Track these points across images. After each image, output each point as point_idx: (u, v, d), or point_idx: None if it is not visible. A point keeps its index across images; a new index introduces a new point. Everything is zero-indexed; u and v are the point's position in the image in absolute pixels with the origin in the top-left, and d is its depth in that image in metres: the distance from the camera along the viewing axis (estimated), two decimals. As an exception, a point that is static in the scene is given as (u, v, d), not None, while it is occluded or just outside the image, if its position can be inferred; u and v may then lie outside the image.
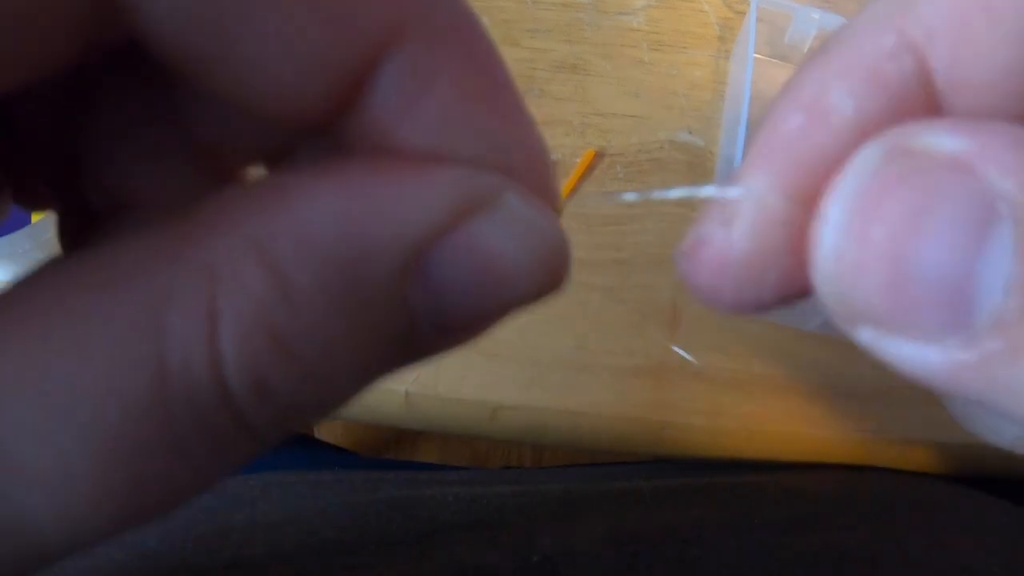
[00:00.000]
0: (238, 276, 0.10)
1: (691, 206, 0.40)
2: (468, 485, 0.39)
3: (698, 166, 0.41)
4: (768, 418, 0.38)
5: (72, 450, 0.10)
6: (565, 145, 0.41)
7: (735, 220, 0.13)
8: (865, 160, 0.11)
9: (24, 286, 0.11)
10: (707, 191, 0.14)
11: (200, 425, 0.10)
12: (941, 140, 0.11)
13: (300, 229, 0.11)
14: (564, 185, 0.40)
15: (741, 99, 0.37)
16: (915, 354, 0.11)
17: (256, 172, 0.14)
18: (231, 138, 0.14)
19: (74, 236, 0.14)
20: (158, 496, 0.11)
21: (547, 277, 0.12)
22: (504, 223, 0.12)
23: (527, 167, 0.13)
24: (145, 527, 0.11)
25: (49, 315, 0.10)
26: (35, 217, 0.37)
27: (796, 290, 0.13)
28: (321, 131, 0.12)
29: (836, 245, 0.11)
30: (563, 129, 0.41)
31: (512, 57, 0.42)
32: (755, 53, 0.39)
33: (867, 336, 0.12)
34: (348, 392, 0.12)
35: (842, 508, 0.37)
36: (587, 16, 0.43)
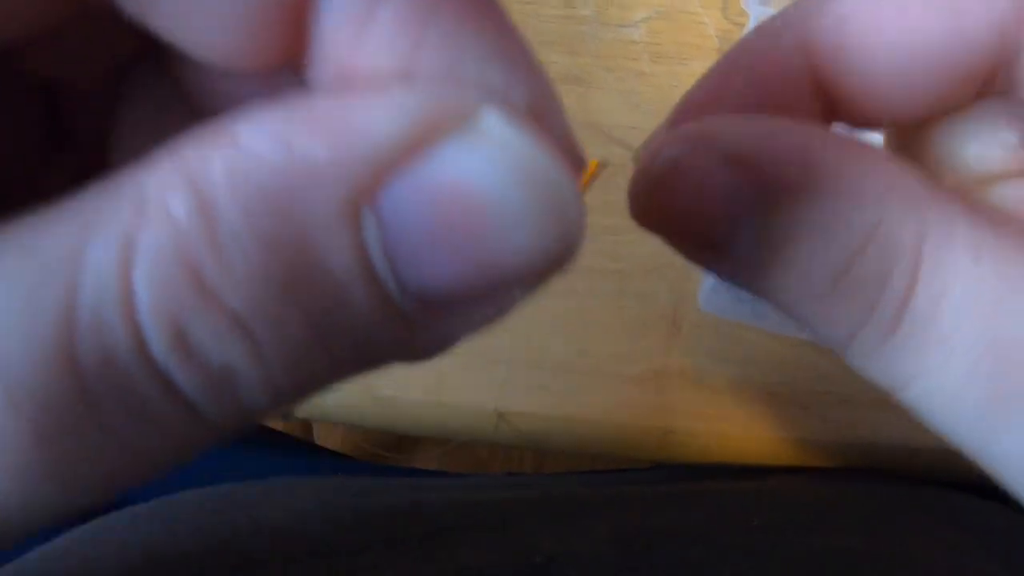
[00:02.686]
0: (162, 202, 0.08)
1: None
2: (471, 490, 0.39)
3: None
4: (767, 424, 0.39)
5: None
6: (567, 155, 0.42)
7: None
8: None
9: None
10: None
11: (116, 382, 0.08)
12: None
13: (234, 154, 0.09)
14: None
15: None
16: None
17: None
18: (220, 98, 0.13)
19: None
20: (87, 473, 0.09)
21: (550, 229, 0.09)
22: (479, 147, 0.09)
23: (515, 83, 0.10)
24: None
25: None
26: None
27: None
28: (290, 77, 0.11)
29: None
30: (565, 139, 0.42)
31: (515, 68, 0.43)
32: (754, 65, 0.39)
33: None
34: (301, 373, 0.09)
35: (840, 511, 0.37)
36: (589, 28, 0.44)
